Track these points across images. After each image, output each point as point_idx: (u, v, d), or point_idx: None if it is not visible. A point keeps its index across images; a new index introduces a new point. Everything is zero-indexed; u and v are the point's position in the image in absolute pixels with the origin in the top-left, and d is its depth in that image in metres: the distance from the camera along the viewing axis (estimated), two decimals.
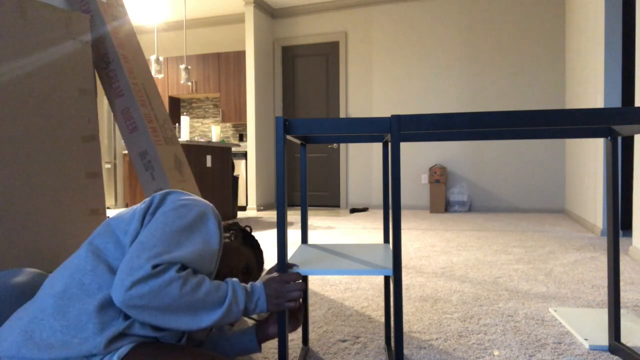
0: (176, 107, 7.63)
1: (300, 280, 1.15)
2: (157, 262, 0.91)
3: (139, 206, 1.04)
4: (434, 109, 6.16)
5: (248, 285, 1.07)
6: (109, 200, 6.66)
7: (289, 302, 1.10)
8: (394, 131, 1.11)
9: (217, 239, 1.04)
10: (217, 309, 0.96)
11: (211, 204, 1.10)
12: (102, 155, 6.72)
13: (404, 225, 4.73)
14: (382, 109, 6.41)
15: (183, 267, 0.96)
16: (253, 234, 4.26)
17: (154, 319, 0.91)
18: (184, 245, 0.97)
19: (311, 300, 2.13)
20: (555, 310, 1.90)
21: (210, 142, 5.03)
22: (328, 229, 4.55)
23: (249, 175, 6.35)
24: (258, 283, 1.09)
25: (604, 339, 1.57)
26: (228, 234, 1.30)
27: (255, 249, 1.34)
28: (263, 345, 1.59)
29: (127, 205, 6.30)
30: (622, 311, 1.90)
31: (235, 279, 1.05)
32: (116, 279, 0.90)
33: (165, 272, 0.91)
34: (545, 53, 5.73)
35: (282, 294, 1.09)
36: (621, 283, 2.37)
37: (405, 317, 1.87)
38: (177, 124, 7.51)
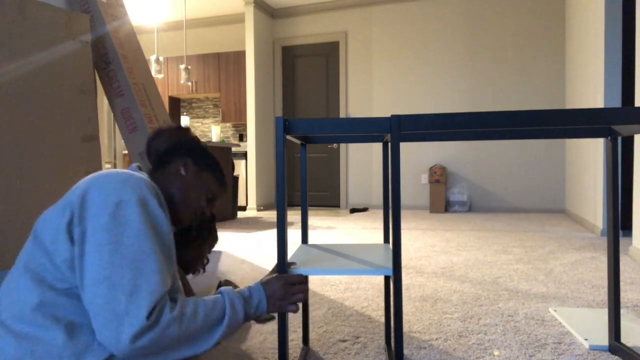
0: (176, 107, 7.63)
1: (304, 283, 1.14)
2: (147, 306, 0.81)
3: (59, 217, 0.88)
4: (434, 109, 6.16)
5: (246, 290, 1.04)
6: None
7: (292, 306, 1.08)
8: (394, 131, 1.11)
9: (165, 220, 0.93)
10: (217, 329, 0.93)
11: (141, 176, 0.95)
12: (102, 155, 6.72)
13: (404, 225, 4.73)
14: (382, 109, 6.41)
15: (169, 287, 0.89)
16: (252, 235, 4.24)
17: (157, 359, 0.86)
18: (148, 255, 0.86)
19: (311, 300, 2.13)
20: (555, 310, 1.90)
21: (210, 142, 5.03)
22: (328, 229, 4.55)
23: (249, 175, 6.35)
24: (257, 285, 1.06)
25: (604, 339, 1.57)
26: (178, 167, 1.11)
27: (211, 168, 1.17)
28: (263, 345, 1.60)
29: None
30: (622, 311, 1.90)
31: (229, 289, 1.01)
32: (103, 330, 0.80)
33: (160, 319, 0.83)
34: (545, 53, 5.73)
35: (286, 296, 1.08)
36: (621, 283, 2.37)
37: (405, 317, 1.87)
38: None
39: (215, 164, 1.18)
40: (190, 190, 1.10)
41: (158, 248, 0.88)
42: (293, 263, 1.24)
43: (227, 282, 1.86)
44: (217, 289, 1.70)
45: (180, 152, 1.13)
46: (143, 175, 0.99)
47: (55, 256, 0.86)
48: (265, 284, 1.08)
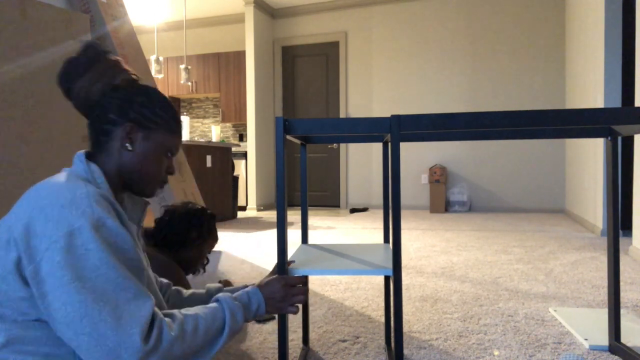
0: (176, 107, 7.64)
1: (305, 285, 1.13)
2: (139, 332, 0.77)
3: (4, 254, 0.79)
4: (434, 109, 6.16)
5: (245, 296, 1.03)
6: None
7: (291, 307, 1.08)
8: (394, 131, 1.11)
9: (126, 233, 0.84)
10: (219, 339, 0.93)
11: (86, 188, 0.83)
12: None
13: (404, 225, 4.73)
14: (382, 109, 6.41)
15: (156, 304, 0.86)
16: (252, 235, 4.23)
17: None
18: (119, 282, 0.79)
19: (311, 300, 2.13)
20: (555, 310, 1.90)
21: (210, 142, 5.03)
22: (328, 229, 4.55)
23: (249, 175, 6.34)
24: (255, 289, 1.05)
25: (604, 339, 1.57)
26: (121, 141, 0.94)
27: (159, 122, 0.96)
28: (263, 345, 1.59)
29: None
30: (622, 311, 1.90)
31: (227, 296, 1.00)
32: None
33: (162, 340, 0.80)
34: (545, 53, 5.73)
35: (286, 297, 1.07)
36: (621, 283, 2.37)
37: (405, 317, 1.87)
38: None
39: (160, 108, 0.97)
40: (146, 161, 0.96)
41: (127, 270, 0.81)
42: (292, 261, 1.24)
43: (227, 283, 1.86)
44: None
45: (113, 113, 0.93)
46: (93, 170, 0.91)
47: (10, 294, 0.79)
48: (264, 285, 1.07)
